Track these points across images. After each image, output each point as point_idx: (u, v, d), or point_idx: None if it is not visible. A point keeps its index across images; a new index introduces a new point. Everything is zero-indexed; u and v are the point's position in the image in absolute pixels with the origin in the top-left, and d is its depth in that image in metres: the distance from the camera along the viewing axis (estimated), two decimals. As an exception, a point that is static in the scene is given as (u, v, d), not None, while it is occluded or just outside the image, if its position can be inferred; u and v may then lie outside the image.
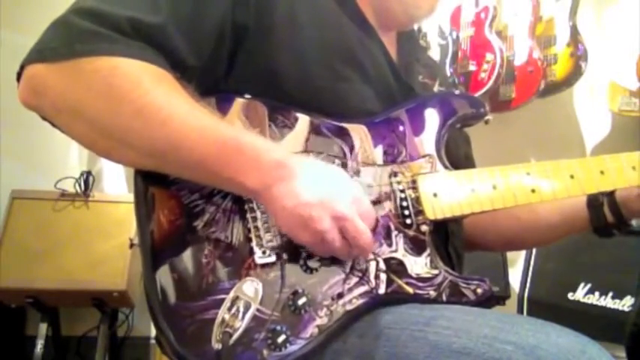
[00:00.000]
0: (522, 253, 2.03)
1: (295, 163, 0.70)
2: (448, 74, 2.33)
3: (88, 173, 2.24)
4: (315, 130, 0.81)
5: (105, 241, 2.06)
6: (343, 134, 0.82)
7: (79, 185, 2.19)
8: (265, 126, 0.78)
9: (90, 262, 2.02)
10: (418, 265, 0.80)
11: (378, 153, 0.83)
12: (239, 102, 0.78)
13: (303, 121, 0.81)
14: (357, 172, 0.81)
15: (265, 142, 0.74)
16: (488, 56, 2.27)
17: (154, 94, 0.67)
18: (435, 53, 2.38)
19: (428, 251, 0.81)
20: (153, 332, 0.74)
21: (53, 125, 0.73)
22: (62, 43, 0.68)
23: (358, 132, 0.83)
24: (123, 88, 0.67)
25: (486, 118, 0.91)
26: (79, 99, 0.68)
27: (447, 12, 2.42)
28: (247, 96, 0.79)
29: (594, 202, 0.96)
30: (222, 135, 0.69)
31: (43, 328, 2.13)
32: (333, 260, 0.75)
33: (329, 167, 0.75)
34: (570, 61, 2.26)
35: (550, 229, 1.04)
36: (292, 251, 0.74)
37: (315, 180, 0.70)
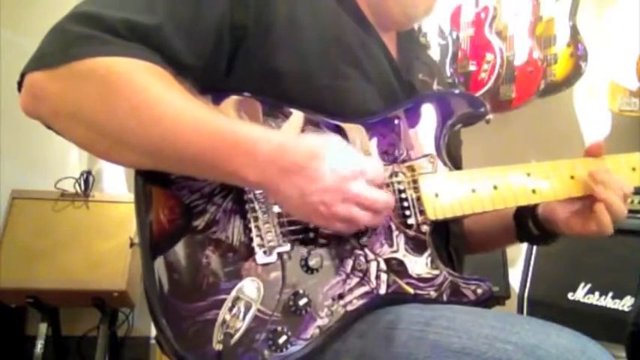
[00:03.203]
0: (522, 253, 2.02)
1: (294, 150, 0.67)
2: (448, 74, 2.33)
3: (88, 173, 2.23)
4: (310, 124, 0.80)
5: (105, 241, 2.06)
6: (340, 134, 0.81)
7: (79, 185, 2.19)
8: (259, 121, 0.78)
9: (90, 262, 2.02)
10: (419, 265, 0.80)
11: (377, 153, 0.83)
12: (233, 99, 0.78)
13: (297, 115, 0.80)
14: None
15: (263, 131, 0.71)
16: (488, 56, 2.27)
17: (148, 91, 0.67)
18: (435, 53, 2.38)
19: (429, 251, 0.81)
20: (153, 332, 0.74)
21: (55, 131, 0.73)
22: (58, 49, 0.68)
23: (356, 132, 0.83)
24: (118, 87, 0.67)
25: (487, 117, 0.91)
26: (76, 101, 0.68)
27: (447, 12, 2.41)
28: (246, 94, 0.79)
29: (520, 214, 0.98)
30: (219, 128, 0.68)
31: (43, 328, 2.13)
32: (334, 261, 0.75)
33: (327, 140, 0.71)
34: (570, 61, 2.26)
35: (486, 238, 1.06)
36: (293, 251, 0.74)
37: (317, 163, 0.67)
